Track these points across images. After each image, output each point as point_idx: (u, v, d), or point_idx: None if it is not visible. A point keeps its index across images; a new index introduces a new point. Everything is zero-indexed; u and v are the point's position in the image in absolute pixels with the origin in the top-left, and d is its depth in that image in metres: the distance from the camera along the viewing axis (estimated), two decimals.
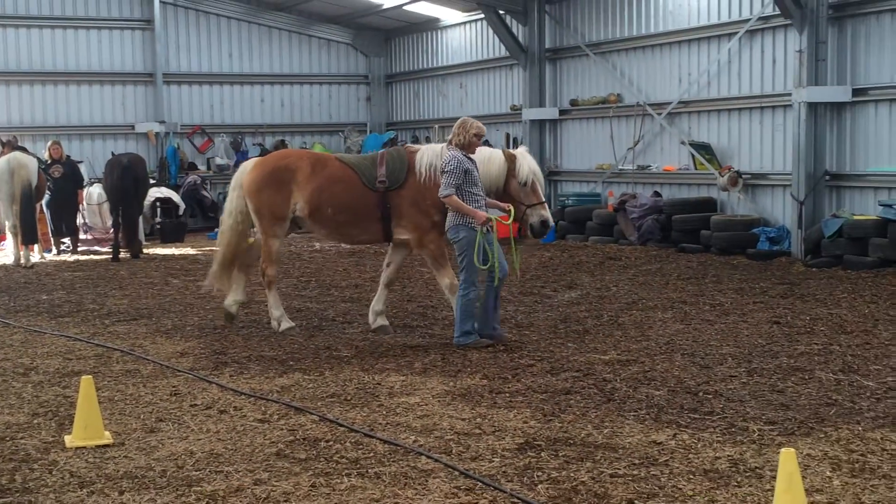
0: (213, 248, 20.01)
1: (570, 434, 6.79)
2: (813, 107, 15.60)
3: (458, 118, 9.93)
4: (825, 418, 7.05)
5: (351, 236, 10.79)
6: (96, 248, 20.11)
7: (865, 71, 15.29)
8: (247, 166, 11.01)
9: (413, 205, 10.15)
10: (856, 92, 15.33)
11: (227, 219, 11.03)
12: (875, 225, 14.31)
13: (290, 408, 7.63)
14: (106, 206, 19.64)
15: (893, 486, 5.66)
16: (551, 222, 10.30)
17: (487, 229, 9.46)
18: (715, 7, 17.83)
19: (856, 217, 14.82)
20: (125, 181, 18.19)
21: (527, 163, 10.03)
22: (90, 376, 7.06)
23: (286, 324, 10.83)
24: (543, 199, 10.15)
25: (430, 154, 10.13)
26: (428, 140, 24.95)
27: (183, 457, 6.49)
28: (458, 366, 8.97)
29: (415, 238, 10.24)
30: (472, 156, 9.65)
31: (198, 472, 6.17)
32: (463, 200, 9.43)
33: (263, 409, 7.65)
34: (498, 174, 10.06)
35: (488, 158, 10.06)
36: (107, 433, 6.91)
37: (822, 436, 6.64)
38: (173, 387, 8.42)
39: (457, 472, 6.04)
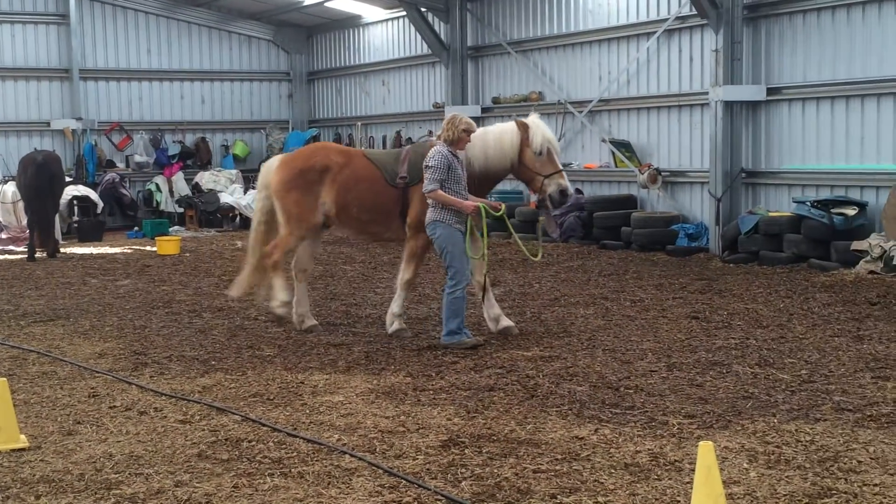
0: (135, 247, 19.97)
1: (493, 430, 6.82)
2: (729, 105, 15.91)
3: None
4: (742, 411, 7.19)
5: (375, 234, 10.65)
6: (11, 247, 19.71)
7: (779, 70, 15.63)
8: (272, 165, 10.66)
9: (422, 199, 9.80)
10: (770, 91, 15.67)
11: (254, 219, 10.90)
12: (789, 221, 14.65)
13: (211, 408, 7.55)
14: (21, 205, 19.25)
15: (807, 477, 5.80)
16: (571, 191, 10.08)
17: (474, 225, 9.39)
18: (634, 6, 18.06)
19: (771, 214, 15.14)
20: (40, 179, 17.80)
21: (541, 131, 9.75)
22: (5, 379, 6.89)
23: (310, 321, 10.56)
24: (561, 168, 9.91)
25: None
26: (351, 138, 24.87)
27: (102, 459, 6.38)
28: (381, 364, 8.96)
29: (410, 230, 10.03)
30: (459, 152, 9.47)
31: (117, 475, 6.07)
32: None
33: (185, 409, 7.56)
34: (511, 145, 9.81)
35: (500, 132, 9.86)
36: (22, 437, 6.76)
37: (739, 428, 6.77)
38: (91, 388, 8.27)
39: (381, 471, 6.04)
